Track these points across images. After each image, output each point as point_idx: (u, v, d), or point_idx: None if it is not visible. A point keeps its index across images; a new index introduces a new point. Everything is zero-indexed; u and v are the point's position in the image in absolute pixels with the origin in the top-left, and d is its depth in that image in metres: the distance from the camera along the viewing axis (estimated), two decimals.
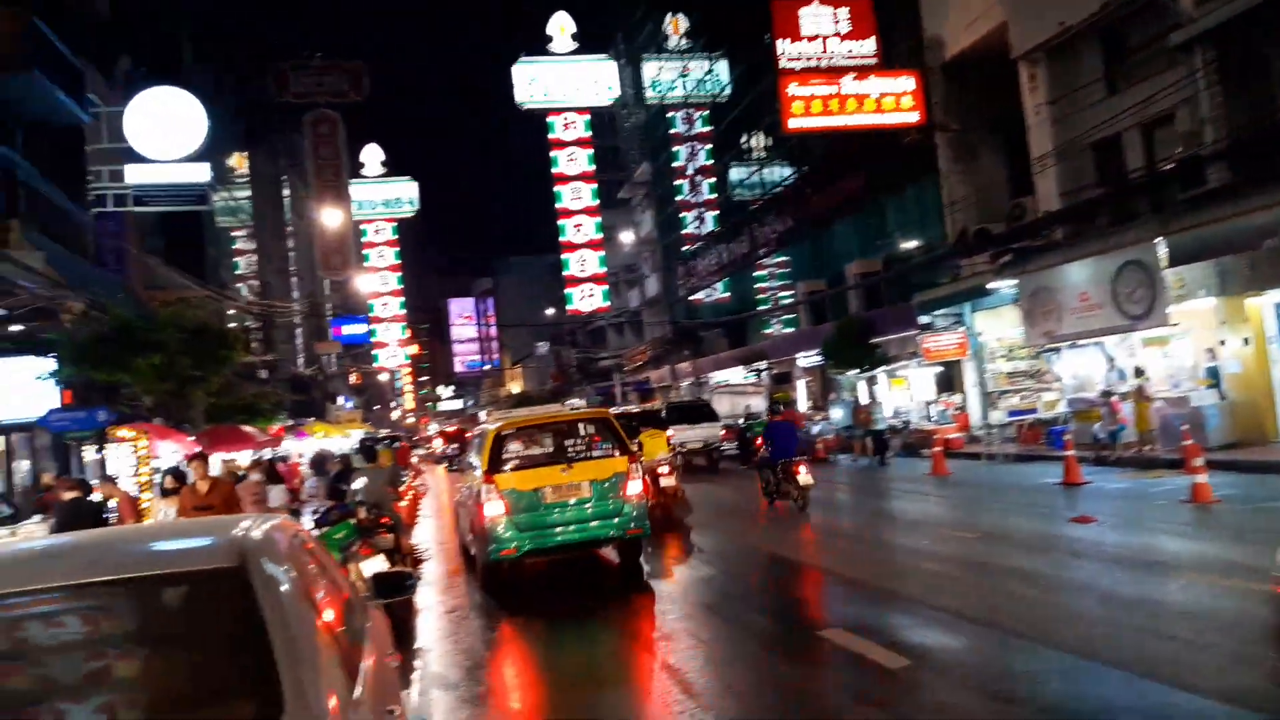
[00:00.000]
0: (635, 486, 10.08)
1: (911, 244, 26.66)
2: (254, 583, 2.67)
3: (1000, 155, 23.28)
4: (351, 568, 7.90)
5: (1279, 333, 15.16)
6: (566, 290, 57.74)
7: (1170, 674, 5.38)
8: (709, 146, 46.91)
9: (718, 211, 46.45)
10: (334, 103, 50.45)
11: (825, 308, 32.33)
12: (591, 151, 56.55)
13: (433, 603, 10.05)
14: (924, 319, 23.57)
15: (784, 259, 38.11)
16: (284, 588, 2.77)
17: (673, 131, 48.09)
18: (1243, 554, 8.15)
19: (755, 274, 40.31)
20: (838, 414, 26.94)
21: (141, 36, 25.54)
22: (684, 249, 46.93)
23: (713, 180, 46.87)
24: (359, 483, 10.45)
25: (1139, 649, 5.95)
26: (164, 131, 20.26)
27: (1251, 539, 8.57)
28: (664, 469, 15.14)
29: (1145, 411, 15.76)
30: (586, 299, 57.35)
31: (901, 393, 25.86)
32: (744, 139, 40.86)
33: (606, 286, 58.40)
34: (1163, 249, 15.21)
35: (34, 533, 10.88)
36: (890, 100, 23.13)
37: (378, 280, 70.33)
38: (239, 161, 41.53)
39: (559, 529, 9.82)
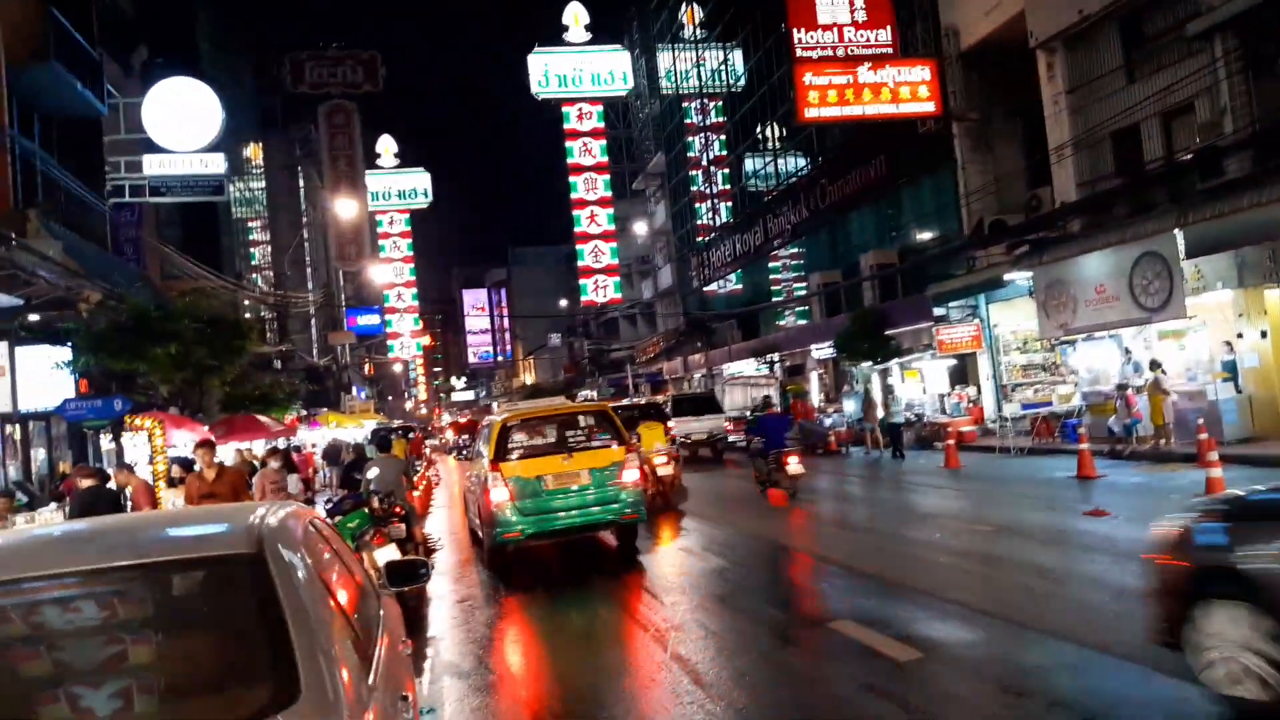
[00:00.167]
0: (632, 475, 10.74)
1: (927, 235, 26.55)
2: (271, 568, 2.70)
3: (1017, 145, 23.14)
4: (364, 556, 7.95)
5: None
6: (580, 281, 57.78)
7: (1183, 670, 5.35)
8: (723, 137, 46.77)
9: (732, 202, 46.33)
10: (349, 93, 50.54)
11: (839, 299, 32.23)
12: (605, 142, 56.52)
13: (445, 592, 10.11)
14: (939, 311, 23.47)
15: (798, 250, 38.00)
16: (300, 574, 2.79)
17: (687, 122, 47.98)
18: None
19: (769, 265, 40.22)
20: (850, 406, 26.89)
21: (159, 27, 25.61)
22: (698, 240, 46.86)
23: (727, 171, 46.73)
24: (372, 472, 10.50)
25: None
26: (180, 122, 20.36)
27: None
28: (661, 459, 15.76)
29: (1160, 405, 15.66)
30: (600, 290, 57.38)
31: (915, 385, 25.78)
32: (759, 129, 40.70)
33: (619, 278, 58.41)
34: (1180, 240, 15.08)
35: (51, 520, 10.97)
36: (906, 90, 23.00)
37: (391, 271, 70.53)
38: (254, 152, 41.67)
39: (560, 514, 10.47)
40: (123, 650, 2.61)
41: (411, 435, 34.51)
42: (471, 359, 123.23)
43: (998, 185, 22.92)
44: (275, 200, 43.01)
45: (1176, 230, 15.18)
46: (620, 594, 9.38)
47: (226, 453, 18.54)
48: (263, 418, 21.88)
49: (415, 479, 14.56)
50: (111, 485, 10.34)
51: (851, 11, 23.69)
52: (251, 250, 41.19)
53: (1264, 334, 15.40)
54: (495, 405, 72.62)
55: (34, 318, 14.84)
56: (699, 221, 47.61)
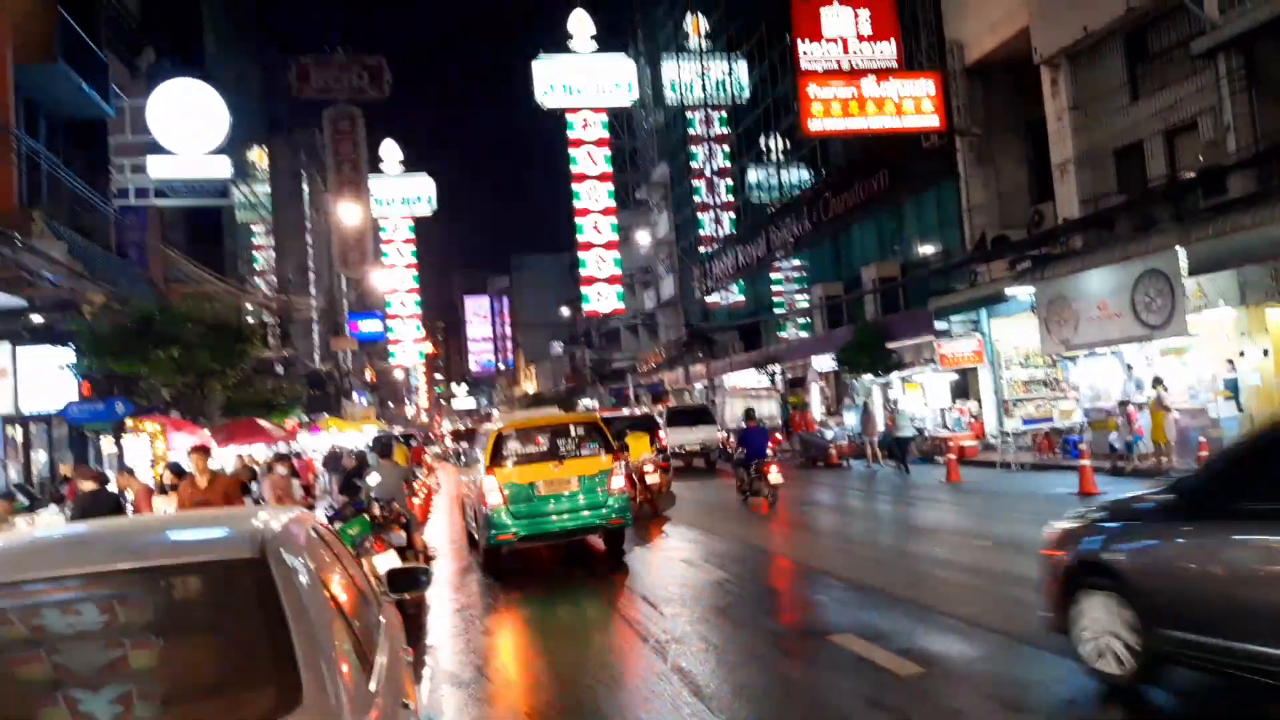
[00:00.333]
0: (618, 482, 11.43)
1: (929, 249, 26.58)
2: (274, 573, 2.69)
3: (1021, 160, 23.17)
4: (364, 563, 7.93)
5: None
6: (582, 290, 57.80)
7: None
8: (727, 148, 46.87)
9: (734, 214, 46.39)
10: (355, 99, 50.62)
11: (841, 312, 32.25)
12: (609, 151, 56.61)
13: (444, 600, 10.08)
14: (940, 324, 23.47)
15: (800, 262, 38.04)
16: (303, 579, 2.79)
17: (691, 132, 48.08)
18: None
19: (771, 277, 40.26)
20: (851, 419, 26.88)
21: (166, 30, 25.68)
22: (700, 251, 46.91)
23: (730, 182, 46.83)
24: (374, 479, 10.50)
25: None
26: (186, 125, 20.37)
27: None
28: (649, 467, 16.43)
29: (1162, 422, 15.64)
30: (602, 299, 57.40)
31: (915, 398, 25.78)
32: (762, 141, 40.79)
33: (622, 287, 58.44)
34: (1183, 258, 15.09)
35: (52, 522, 10.96)
36: (911, 104, 23.06)
37: (394, 277, 70.58)
38: (259, 156, 41.75)
39: (551, 518, 11.17)
40: (123, 654, 2.60)
41: (413, 442, 34.52)
42: (473, 366, 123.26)
43: (1001, 200, 22.96)
44: (279, 205, 43.07)
45: (1179, 248, 15.19)
46: (617, 602, 9.37)
47: (227, 457, 18.55)
48: (263, 422, 21.87)
49: (416, 486, 14.55)
50: (112, 488, 10.33)
51: (856, 24, 23.76)
52: (255, 254, 41.21)
53: (1266, 352, 15.38)
54: (495, 413, 72.63)
55: (37, 319, 14.86)
56: (702, 232, 47.67)
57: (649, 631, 7.87)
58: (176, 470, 11.82)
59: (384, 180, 70.21)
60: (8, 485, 14.61)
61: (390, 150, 72.52)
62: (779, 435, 28.98)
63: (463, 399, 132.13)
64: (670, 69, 49.78)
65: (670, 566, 11.35)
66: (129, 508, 10.86)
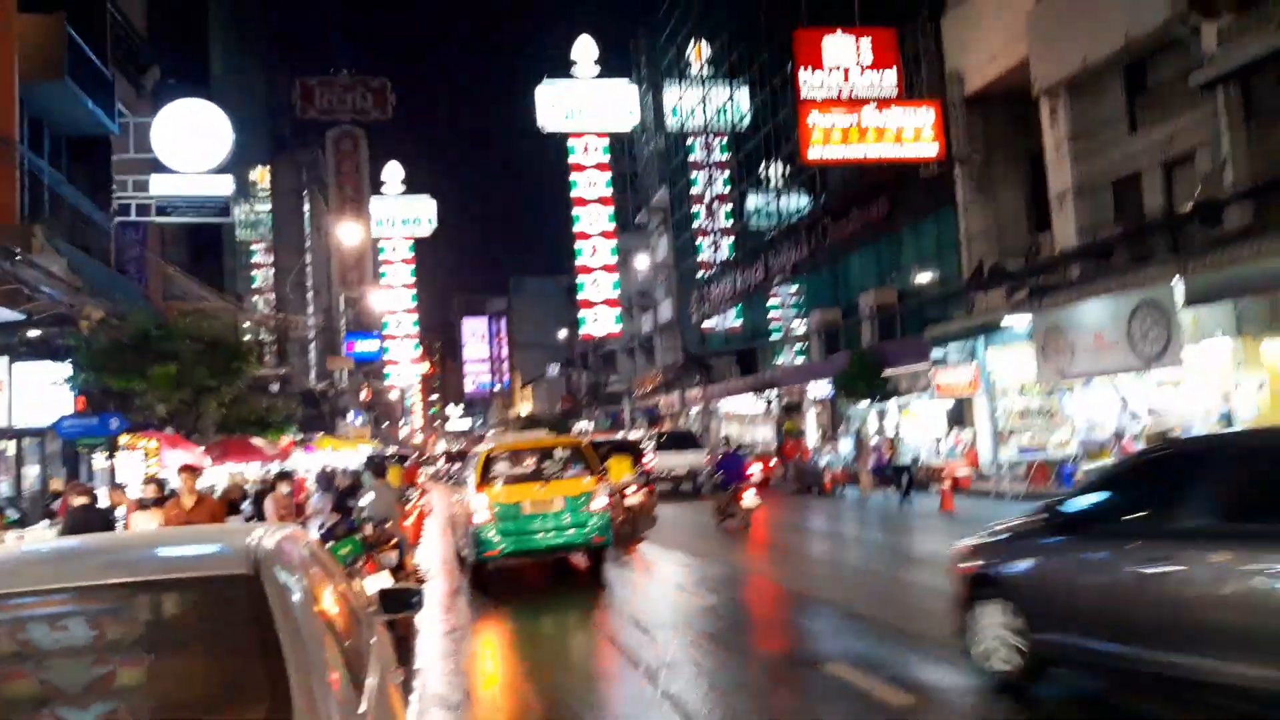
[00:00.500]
0: (600, 503, 11.95)
1: (927, 276, 26.65)
2: (267, 590, 2.68)
3: (1019, 190, 23.29)
4: (355, 583, 7.88)
5: None
6: (580, 313, 57.87)
7: None
8: (727, 174, 47.08)
9: (733, 239, 46.54)
10: (358, 120, 50.93)
11: (838, 338, 32.28)
12: (610, 175, 56.87)
13: (434, 622, 10.02)
14: (937, 353, 23.49)
15: (798, 288, 38.12)
16: (296, 597, 2.77)
17: (691, 158, 48.31)
18: None
19: (769, 302, 40.32)
20: (846, 446, 26.85)
21: (172, 49, 25.84)
22: (699, 275, 47.01)
23: (729, 207, 47.00)
24: (367, 499, 10.46)
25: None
26: (190, 143, 20.45)
27: None
28: (630, 489, 16.85)
29: None
30: (600, 322, 57.46)
31: (911, 426, 25.77)
32: (762, 167, 40.99)
33: (620, 310, 58.53)
34: (1180, 289, 15.14)
35: (42, 537, 10.89)
36: (910, 132, 23.20)
37: (392, 297, 70.61)
38: (261, 175, 41.91)
39: (536, 535, 11.66)
40: (113, 670, 2.58)
41: (406, 463, 34.42)
42: (469, 387, 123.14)
43: (998, 229, 23.05)
44: (280, 223, 43.20)
45: (1176, 279, 15.24)
46: (601, 622, 9.33)
47: (220, 475, 18.49)
48: (258, 440, 21.82)
49: (408, 507, 14.48)
50: (104, 504, 10.28)
51: (858, 54, 23.96)
52: (254, 273, 41.26)
53: (1261, 385, 15.40)
54: (490, 434, 72.37)
55: (34, 333, 14.83)
56: (700, 257, 47.80)
57: (638, 656, 7.81)
58: (158, 485, 11.47)
59: (385, 201, 70.41)
60: None
61: (392, 171, 72.76)
62: (773, 462, 28.97)
63: (458, 420, 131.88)
64: (672, 95, 50.09)
65: (656, 588, 11.60)
66: (120, 524, 10.80)
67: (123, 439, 15.56)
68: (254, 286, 40.27)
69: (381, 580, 8.08)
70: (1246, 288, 14.51)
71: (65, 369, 15.48)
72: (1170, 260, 15.97)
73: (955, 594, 6.62)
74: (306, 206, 50.53)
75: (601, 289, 56.96)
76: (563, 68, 55.47)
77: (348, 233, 48.76)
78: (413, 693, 7.09)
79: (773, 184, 40.08)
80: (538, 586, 12.38)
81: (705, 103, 46.08)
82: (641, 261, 55.47)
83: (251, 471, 20.33)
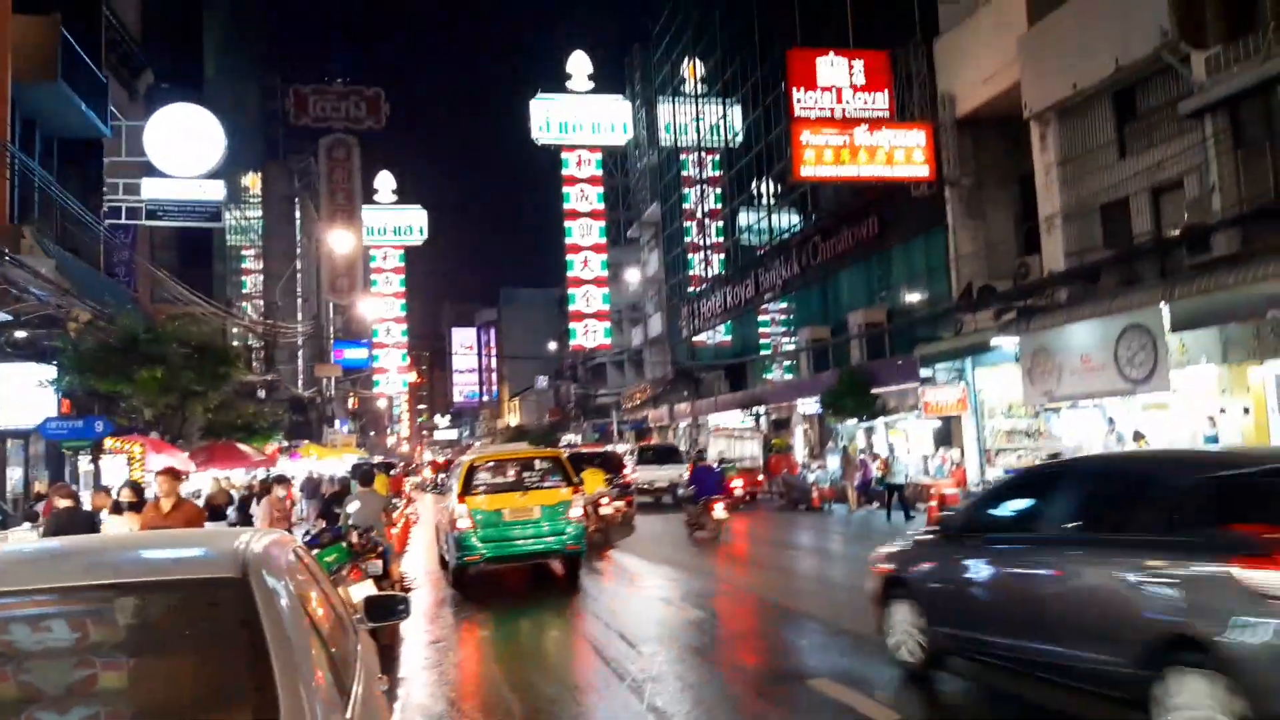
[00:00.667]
0: (576, 512, 12.68)
1: (916, 296, 26.77)
2: (255, 594, 2.66)
3: (1009, 212, 23.43)
4: (340, 591, 7.83)
5: None
6: (570, 325, 57.91)
7: None
8: (719, 190, 47.27)
9: (724, 255, 46.70)
10: (351, 128, 50.93)
11: (827, 355, 32.37)
12: (602, 190, 57.03)
13: (418, 632, 9.97)
14: (925, 372, 23.58)
15: (788, 305, 38.25)
16: (283, 601, 2.76)
17: (684, 174, 48.50)
18: None
19: (758, 319, 40.42)
20: (834, 463, 26.89)
21: (166, 53, 25.83)
22: (689, 290, 47.12)
23: (721, 224, 47.17)
24: (353, 506, 10.41)
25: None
26: (182, 148, 20.46)
27: None
28: (604, 500, 17.76)
29: None
30: (590, 335, 57.49)
31: (899, 445, 25.83)
32: (754, 185, 41.18)
33: (609, 323, 58.57)
34: (1166, 314, 15.25)
35: (25, 539, 10.79)
36: (901, 153, 23.34)
37: (382, 306, 70.49)
38: (253, 181, 41.84)
39: (515, 542, 12.35)
40: (95, 673, 2.54)
41: (393, 472, 34.28)
42: (457, 397, 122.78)
43: (988, 251, 23.18)
44: (270, 230, 43.11)
45: (1163, 304, 15.36)
46: (583, 629, 9.29)
47: (205, 480, 18.37)
48: (243, 446, 21.71)
49: (394, 516, 14.43)
50: (87, 507, 10.21)
51: (851, 75, 24.11)
52: (243, 278, 41.17)
53: (1246, 410, 15.51)
54: (477, 444, 72.26)
55: (21, 334, 14.75)
56: (691, 272, 47.93)
57: (623, 669, 7.80)
58: (135, 489, 11.30)
59: (377, 210, 70.42)
60: None
61: (384, 180, 72.83)
62: (760, 477, 29.00)
63: (445, 430, 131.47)
64: (666, 111, 50.32)
65: (636, 600, 11.58)
66: (104, 527, 10.71)
67: (108, 442, 15.47)
68: (244, 292, 40.16)
69: (366, 588, 8.05)
70: (1233, 314, 14.63)
71: (51, 370, 15.40)
72: (1157, 285, 16.09)
73: (873, 594, 7.50)
74: (298, 213, 50.42)
75: (592, 302, 57.03)
76: (557, 82, 55.69)
77: (339, 240, 48.69)
78: (397, 701, 7.05)
79: (764, 201, 40.26)
80: (518, 592, 12.68)
81: (699, 120, 46.30)
82: (632, 275, 55.58)
83: (237, 477, 20.22)
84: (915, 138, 23.47)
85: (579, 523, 12.71)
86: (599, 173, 56.56)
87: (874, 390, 25.68)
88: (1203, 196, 16.13)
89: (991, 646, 6.15)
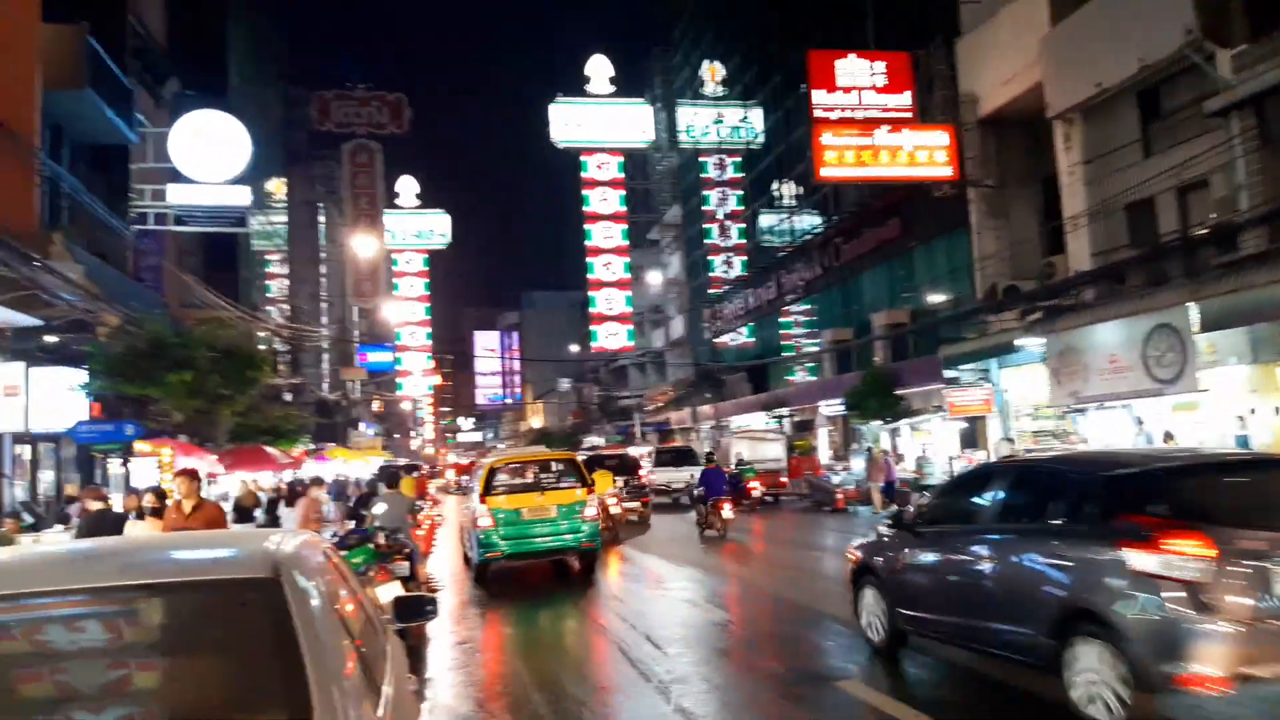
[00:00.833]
0: (591, 511, 13.37)
1: (940, 297, 26.64)
2: (287, 594, 2.67)
3: (1033, 212, 23.27)
4: (367, 592, 7.89)
5: None
6: (592, 327, 57.98)
7: None
8: (740, 192, 47.22)
9: (746, 257, 46.63)
10: (374, 133, 51.24)
11: (850, 357, 32.26)
12: (623, 192, 57.07)
13: (444, 633, 10.03)
14: (950, 373, 23.44)
15: (810, 306, 38.15)
16: (315, 602, 2.77)
17: (704, 176, 48.46)
18: None
19: (780, 320, 40.34)
20: (858, 464, 26.77)
21: (191, 60, 26.11)
22: (711, 292, 47.09)
23: (742, 226, 47.13)
24: (380, 508, 10.48)
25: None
26: (208, 154, 20.64)
27: None
28: (612, 500, 18.46)
29: None
30: (611, 337, 57.55)
31: (926, 445, 25.68)
32: (775, 186, 41.10)
33: (631, 326, 58.59)
34: (1194, 313, 15.10)
35: (58, 541, 10.94)
36: (924, 154, 23.22)
37: (406, 309, 70.86)
38: (277, 187, 42.21)
39: (533, 539, 13.02)
40: (129, 673, 2.55)
41: (416, 474, 34.45)
42: (480, 400, 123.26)
43: (1012, 251, 23.02)
44: (295, 235, 43.47)
45: (1190, 304, 15.20)
46: (606, 630, 9.31)
47: (233, 482, 18.57)
48: (270, 449, 21.90)
49: (420, 518, 14.55)
50: (119, 510, 10.34)
51: (871, 75, 24.03)
52: (269, 283, 41.54)
53: (1277, 410, 15.33)
54: (501, 446, 72.53)
55: (52, 339, 14.95)
56: (712, 274, 47.90)
57: (649, 670, 7.81)
58: (159, 495, 11.28)
59: (400, 214, 70.80)
60: (14, 503, 14.62)
61: (407, 185, 73.21)
62: (783, 479, 28.93)
63: (469, 432, 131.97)
64: (686, 114, 50.32)
65: (651, 594, 11.85)
66: (127, 532, 10.82)
67: (138, 445, 15.66)
68: (269, 296, 40.52)
69: (393, 589, 8.10)
70: (1261, 313, 14.47)
71: (82, 375, 15.59)
72: (1185, 285, 15.93)
73: (847, 580, 8.37)
74: (322, 218, 50.82)
75: (613, 304, 57.08)
76: (577, 86, 55.80)
77: (362, 245, 49.02)
78: (424, 702, 7.10)
79: (785, 203, 40.18)
80: (540, 592, 13.07)
81: (719, 122, 46.26)
82: (654, 277, 55.58)
83: (265, 480, 20.41)
84: (937, 138, 23.35)
85: (593, 522, 13.35)
86: (620, 175, 56.62)
87: (898, 391, 25.57)
88: (1229, 195, 15.97)
89: (938, 624, 6.99)
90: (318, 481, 14.20)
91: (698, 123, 48.43)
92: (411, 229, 72.01)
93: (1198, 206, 17.35)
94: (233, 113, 22.31)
